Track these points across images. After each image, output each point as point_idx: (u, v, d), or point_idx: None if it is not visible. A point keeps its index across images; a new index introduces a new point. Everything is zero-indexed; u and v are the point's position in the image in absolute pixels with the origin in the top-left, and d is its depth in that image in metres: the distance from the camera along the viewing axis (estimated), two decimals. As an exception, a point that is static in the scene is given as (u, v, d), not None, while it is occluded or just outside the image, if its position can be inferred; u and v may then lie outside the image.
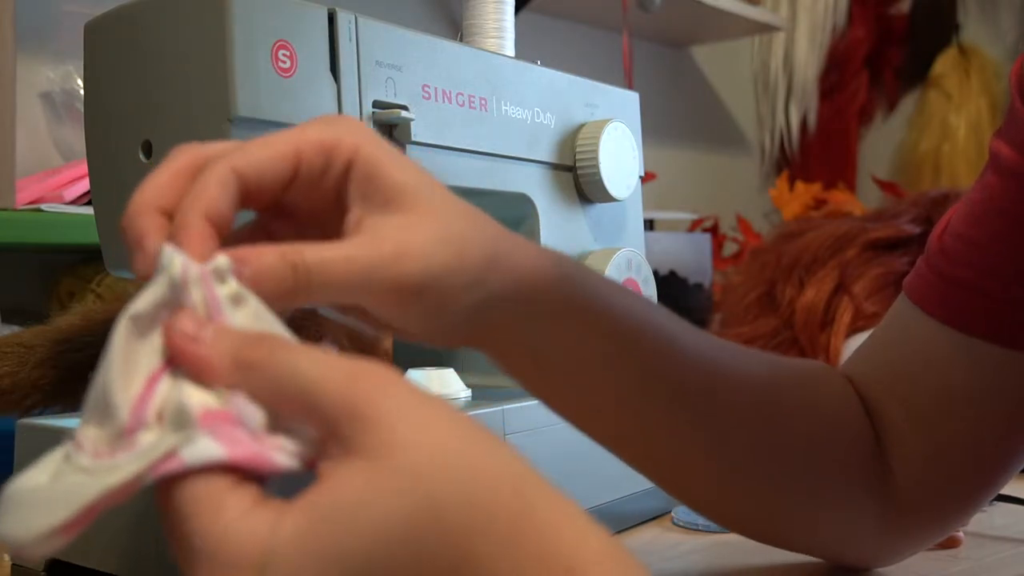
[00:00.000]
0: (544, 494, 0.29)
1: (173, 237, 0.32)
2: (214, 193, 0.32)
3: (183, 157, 0.35)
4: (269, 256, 0.32)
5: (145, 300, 0.30)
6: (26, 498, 0.27)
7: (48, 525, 0.26)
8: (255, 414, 0.28)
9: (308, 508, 0.27)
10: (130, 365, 0.29)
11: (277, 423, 0.29)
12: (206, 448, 0.27)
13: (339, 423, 0.28)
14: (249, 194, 0.34)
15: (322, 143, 0.35)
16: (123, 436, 0.28)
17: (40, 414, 0.62)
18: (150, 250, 0.32)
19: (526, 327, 0.42)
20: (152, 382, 0.29)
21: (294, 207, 0.36)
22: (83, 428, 0.28)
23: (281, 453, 0.28)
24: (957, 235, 0.51)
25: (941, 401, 0.51)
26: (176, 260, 0.30)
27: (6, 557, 0.56)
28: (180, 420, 0.28)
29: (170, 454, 0.27)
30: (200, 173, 0.33)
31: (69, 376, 0.63)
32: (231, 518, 0.27)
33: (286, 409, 0.29)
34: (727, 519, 0.53)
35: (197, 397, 0.28)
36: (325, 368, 0.29)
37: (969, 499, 0.53)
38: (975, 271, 0.50)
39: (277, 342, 0.30)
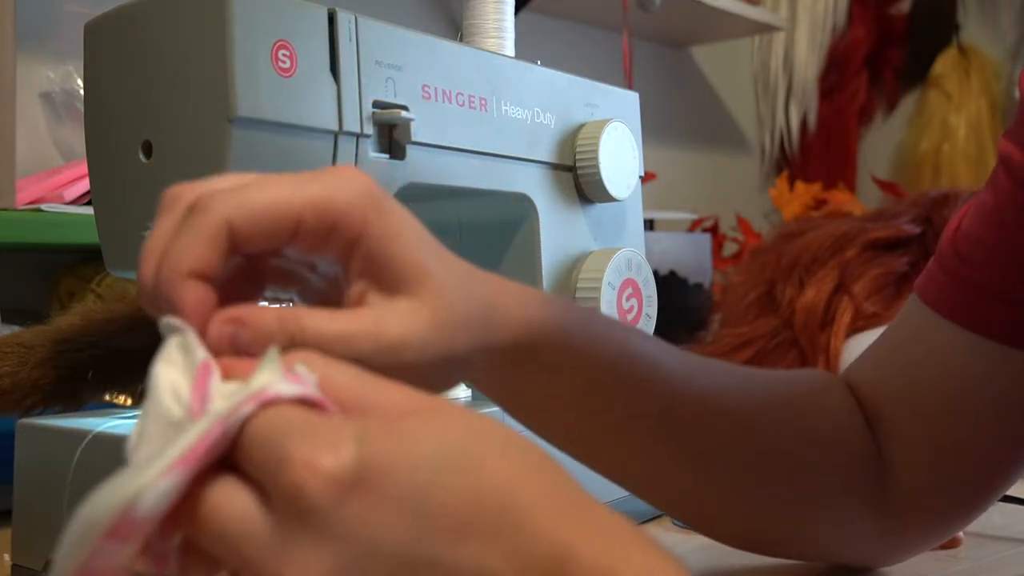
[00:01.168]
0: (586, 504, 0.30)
1: (164, 296, 0.32)
2: (203, 251, 0.32)
3: (183, 205, 0.33)
4: (268, 322, 0.32)
5: (170, 348, 0.31)
6: (120, 474, 0.27)
7: (158, 468, 0.26)
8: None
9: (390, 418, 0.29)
10: (174, 385, 0.30)
11: None
12: (296, 387, 0.29)
13: (385, 407, 0.29)
14: (241, 244, 0.33)
15: (325, 212, 0.33)
16: (191, 419, 0.28)
17: (40, 414, 0.62)
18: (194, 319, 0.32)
19: (515, 377, 0.43)
20: (202, 377, 0.30)
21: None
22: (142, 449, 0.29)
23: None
24: (969, 237, 0.51)
25: (951, 404, 0.51)
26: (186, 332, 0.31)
27: (6, 557, 0.56)
28: (273, 368, 0.29)
29: (264, 389, 0.28)
30: (192, 216, 0.32)
31: (69, 376, 0.63)
32: (326, 416, 0.29)
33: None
34: (727, 536, 0.54)
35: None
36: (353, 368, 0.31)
37: (974, 503, 0.53)
38: (987, 273, 0.50)
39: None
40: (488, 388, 0.44)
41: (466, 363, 0.39)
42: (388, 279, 0.35)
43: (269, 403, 0.28)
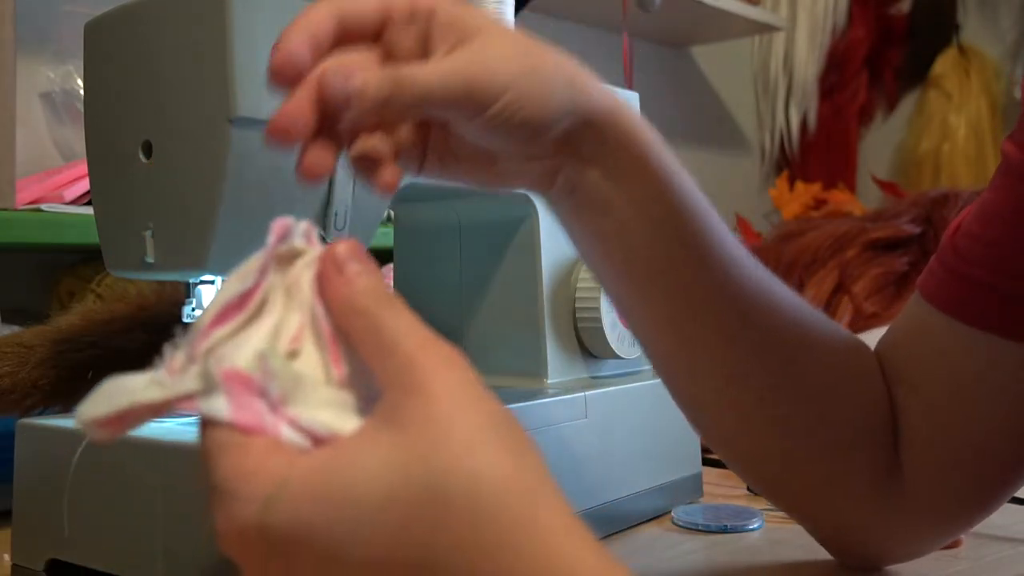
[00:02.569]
0: (552, 506, 0.29)
1: (283, 46, 0.37)
2: (320, 18, 0.37)
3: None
4: (373, 69, 0.37)
5: (255, 258, 0.33)
6: (109, 387, 0.31)
7: (93, 415, 0.30)
8: (282, 385, 0.31)
9: (326, 457, 0.29)
10: (214, 304, 0.32)
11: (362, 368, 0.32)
12: (217, 406, 0.30)
13: (392, 387, 0.30)
14: (345, 33, 0.38)
15: (409, 3, 0.39)
16: (188, 363, 0.31)
17: (40, 414, 0.62)
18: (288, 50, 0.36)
19: (600, 164, 0.46)
20: (220, 319, 0.32)
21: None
22: (178, 350, 0.32)
23: (290, 428, 0.30)
24: (969, 234, 0.52)
25: (954, 395, 0.52)
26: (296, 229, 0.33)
27: (6, 557, 0.56)
28: (207, 374, 0.31)
29: (192, 395, 0.30)
30: (304, 10, 0.38)
31: (69, 376, 0.63)
32: (252, 457, 0.29)
33: (368, 358, 0.31)
34: (736, 458, 0.55)
35: (239, 354, 0.31)
36: (407, 332, 0.31)
37: (980, 497, 0.53)
38: (986, 268, 0.50)
39: (391, 299, 0.32)
40: (570, 192, 0.46)
41: (562, 108, 0.42)
42: (460, 35, 0.39)
43: (210, 420, 0.30)
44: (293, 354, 0.31)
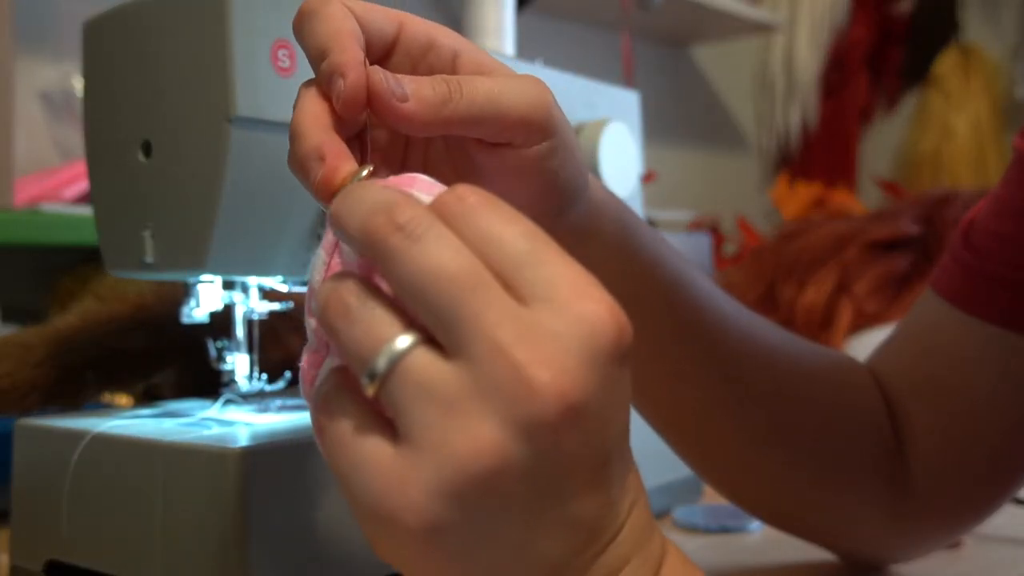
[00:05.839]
0: None
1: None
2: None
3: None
4: (426, 78, 0.35)
5: None
6: None
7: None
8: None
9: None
10: None
11: None
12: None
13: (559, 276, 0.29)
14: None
15: (428, 33, 0.38)
16: None
17: (39, 414, 0.62)
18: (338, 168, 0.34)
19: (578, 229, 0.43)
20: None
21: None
22: None
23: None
24: (983, 230, 0.51)
25: (967, 396, 0.51)
26: None
27: (4, 558, 0.56)
28: None
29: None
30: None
31: (68, 376, 0.63)
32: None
33: None
34: (748, 499, 0.54)
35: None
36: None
37: (988, 499, 0.53)
38: (1002, 263, 0.50)
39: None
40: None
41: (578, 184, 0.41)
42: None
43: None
44: None
